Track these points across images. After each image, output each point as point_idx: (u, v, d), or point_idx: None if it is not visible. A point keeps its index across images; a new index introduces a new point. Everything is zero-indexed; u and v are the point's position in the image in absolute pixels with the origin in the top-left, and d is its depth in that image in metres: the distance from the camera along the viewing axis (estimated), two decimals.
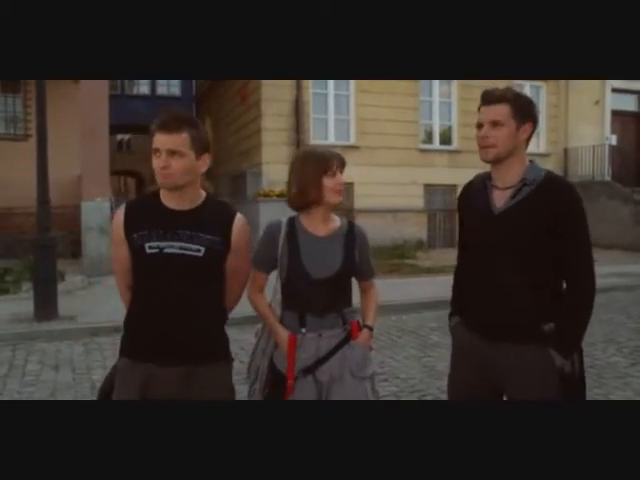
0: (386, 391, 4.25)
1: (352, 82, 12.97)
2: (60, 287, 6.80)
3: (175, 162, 1.89)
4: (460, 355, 2.25)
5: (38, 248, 6.60)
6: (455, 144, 14.16)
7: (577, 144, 15.16)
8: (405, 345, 5.68)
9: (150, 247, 1.94)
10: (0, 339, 5.78)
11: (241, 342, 5.82)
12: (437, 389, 4.37)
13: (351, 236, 2.30)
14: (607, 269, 8.71)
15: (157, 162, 1.90)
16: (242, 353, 5.44)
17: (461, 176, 14.51)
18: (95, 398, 2.21)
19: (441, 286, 8.26)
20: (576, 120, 15.36)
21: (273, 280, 2.35)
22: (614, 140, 15.42)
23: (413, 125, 13.65)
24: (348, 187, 11.84)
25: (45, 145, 6.56)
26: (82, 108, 9.70)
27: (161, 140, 1.89)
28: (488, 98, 2.05)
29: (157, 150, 1.90)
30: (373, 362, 2.38)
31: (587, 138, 15.14)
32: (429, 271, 10.14)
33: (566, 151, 15.34)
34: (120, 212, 2.04)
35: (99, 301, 7.22)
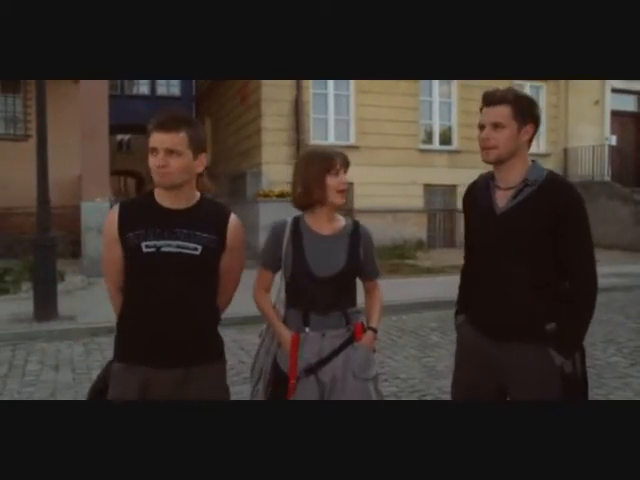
0: (386, 391, 4.24)
1: (352, 82, 12.97)
2: (60, 287, 6.80)
3: (173, 161, 1.89)
4: (464, 354, 2.25)
5: (38, 248, 6.60)
6: (455, 144, 14.16)
7: (577, 144, 15.16)
8: (405, 345, 5.68)
9: (147, 246, 1.93)
10: (0, 339, 5.78)
11: (241, 342, 5.83)
12: (437, 389, 4.36)
13: (356, 235, 2.30)
14: (607, 269, 8.70)
15: (154, 161, 1.89)
16: (242, 353, 5.45)
17: (461, 176, 14.51)
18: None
19: (441, 286, 8.31)
20: (576, 120, 15.35)
21: (277, 280, 2.36)
22: (614, 140, 15.42)
23: (413, 125, 13.64)
24: (348, 187, 11.83)
25: (45, 145, 6.56)
26: (82, 108, 9.70)
27: (159, 139, 1.88)
28: (489, 99, 2.05)
29: (154, 149, 1.89)
30: (376, 364, 2.38)
31: (587, 138, 15.14)
32: (429, 271, 10.15)
33: (566, 151, 15.34)
34: (113, 212, 2.02)
35: (99, 301, 7.21)
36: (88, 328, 6.12)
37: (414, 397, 4.20)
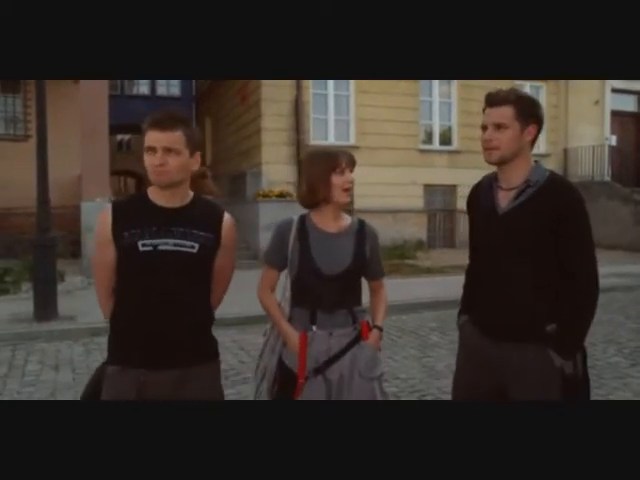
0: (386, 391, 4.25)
1: (352, 82, 12.97)
2: (60, 287, 6.80)
3: (171, 160, 1.89)
4: (466, 353, 2.25)
5: (38, 248, 6.60)
6: (455, 144, 14.17)
7: (577, 144, 15.17)
8: (405, 345, 5.68)
9: (144, 245, 1.92)
10: (0, 339, 5.78)
11: (241, 342, 5.83)
12: (437, 389, 4.36)
13: (362, 234, 2.32)
14: (607, 269, 8.70)
15: (152, 160, 1.89)
16: (242, 353, 5.45)
17: (461, 176, 14.49)
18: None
19: (441, 286, 8.31)
20: (576, 120, 15.36)
21: (281, 279, 2.36)
22: (614, 140, 15.42)
23: (413, 125, 13.65)
24: None
25: (45, 145, 6.56)
26: (82, 108, 9.69)
27: (156, 138, 1.88)
28: (492, 100, 2.05)
29: (152, 148, 1.89)
30: (382, 363, 2.39)
31: (587, 138, 15.15)
32: (429, 271, 10.15)
33: (566, 151, 15.35)
34: (106, 212, 1.99)
35: None
36: (88, 328, 6.12)
37: (414, 397, 4.20)
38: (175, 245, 1.94)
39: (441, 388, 4.34)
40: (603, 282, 2.03)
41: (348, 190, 2.24)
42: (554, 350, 1.98)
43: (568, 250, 1.97)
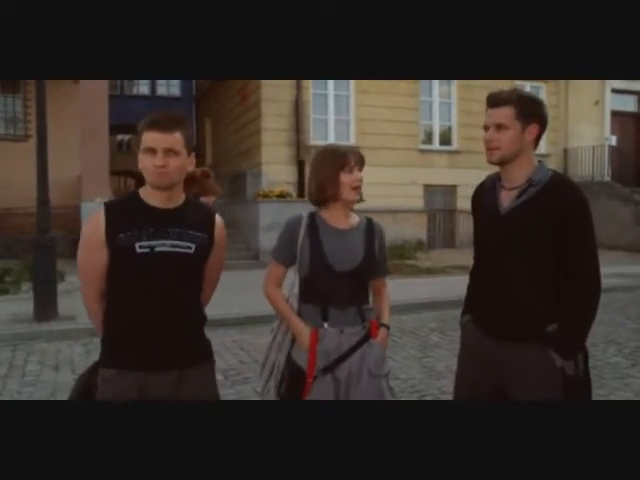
0: None
1: (352, 82, 12.97)
2: (60, 287, 6.79)
3: (172, 161, 1.88)
4: (467, 353, 2.25)
5: (38, 248, 6.60)
6: (455, 144, 14.17)
7: (577, 144, 15.17)
8: (405, 345, 5.68)
9: (141, 246, 1.90)
10: (0, 339, 5.78)
11: (241, 342, 5.83)
12: (437, 389, 4.36)
13: (371, 231, 2.33)
14: (607, 270, 8.68)
15: (152, 161, 1.87)
16: (242, 353, 5.45)
17: (461, 176, 14.47)
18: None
19: (441, 286, 8.32)
20: (576, 120, 15.36)
21: (289, 275, 2.36)
22: (614, 140, 15.43)
23: (413, 125, 13.65)
24: None
25: (45, 145, 6.56)
26: (82, 108, 9.71)
27: (157, 139, 1.86)
28: (493, 101, 2.05)
29: (151, 149, 1.87)
30: (388, 361, 2.40)
31: (587, 138, 15.15)
32: (429, 271, 10.16)
33: (566, 151, 15.35)
34: (99, 215, 1.95)
35: None
36: (88, 328, 6.10)
37: (414, 397, 4.20)
38: (172, 246, 1.94)
39: (441, 388, 4.34)
40: (603, 282, 2.02)
41: (357, 188, 2.24)
42: (555, 350, 1.97)
43: (570, 250, 1.97)
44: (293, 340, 2.28)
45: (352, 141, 12.94)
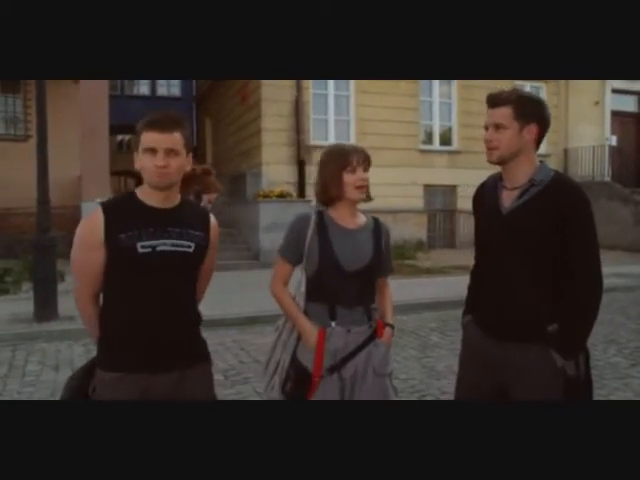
0: None
1: (352, 82, 12.97)
2: (60, 287, 6.79)
3: (173, 161, 1.88)
4: (469, 353, 2.25)
5: (38, 248, 6.60)
6: (455, 145, 14.17)
7: (577, 145, 15.17)
8: (405, 346, 5.68)
9: (142, 246, 1.89)
10: (0, 339, 5.78)
11: (241, 342, 5.83)
12: (437, 390, 4.36)
13: (378, 231, 2.35)
14: (607, 270, 8.68)
15: (153, 161, 1.87)
16: (242, 353, 5.45)
17: (461, 176, 14.46)
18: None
19: (441, 287, 8.32)
20: (576, 121, 15.36)
21: (296, 273, 2.36)
22: (614, 141, 15.42)
23: (413, 126, 13.65)
24: None
25: (45, 145, 6.56)
26: (82, 108, 9.71)
27: (157, 139, 1.86)
28: (492, 101, 2.06)
29: (152, 149, 1.87)
30: (392, 359, 2.41)
31: (587, 139, 15.15)
32: (429, 272, 10.15)
33: (566, 152, 15.35)
34: (96, 215, 1.92)
35: None
36: None
37: (414, 398, 4.19)
38: (173, 245, 1.94)
39: (441, 388, 4.34)
40: (604, 282, 2.02)
41: (360, 188, 2.25)
42: (556, 350, 1.97)
43: (572, 250, 1.97)
44: (298, 338, 2.27)
45: (352, 141, 12.91)
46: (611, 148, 15.14)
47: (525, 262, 2.01)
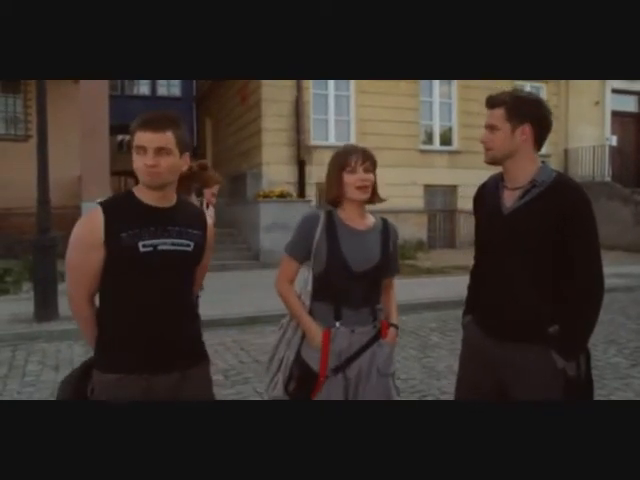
0: None
1: (352, 83, 12.98)
2: (60, 287, 6.78)
3: (163, 160, 1.86)
4: (469, 353, 2.26)
5: (38, 248, 6.60)
6: (455, 145, 14.17)
7: (577, 145, 15.17)
8: (405, 346, 5.67)
9: (144, 245, 1.89)
10: (0, 339, 5.78)
11: (241, 342, 5.83)
12: (437, 390, 4.36)
13: (386, 232, 2.35)
14: (607, 270, 8.66)
15: (143, 160, 1.86)
16: (242, 353, 5.45)
17: (461, 177, 14.46)
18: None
19: (441, 287, 8.32)
20: (576, 121, 15.36)
21: (303, 271, 2.37)
22: (614, 141, 15.43)
23: (413, 126, 13.66)
24: None
25: (45, 145, 6.56)
26: (82, 108, 9.72)
27: (148, 138, 1.85)
28: (489, 102, 2.07)
29: (142, 148, 1.86)
30: (395, 359, 2.42)
31: (587, 139, 15.16)
32: (429, 272, 10.16)
33: (566, 152, 15.35)
34: (95, 214, 1.90)
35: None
36: None
37: (414, 398, 4.19)
38: (173, 244, 1.94)
39: (441, 388, 4.34)
40: (605, 282, 2.02)
41: (362, 188, 2.23)
42: (557, 351, 1.97)
43: (573, 250, 1.96)
44: (303, 336, 2.27)
45: (352, 141, 12.93)
46: (611, 148, 15.14)
47: (525, 262, 2.01)
